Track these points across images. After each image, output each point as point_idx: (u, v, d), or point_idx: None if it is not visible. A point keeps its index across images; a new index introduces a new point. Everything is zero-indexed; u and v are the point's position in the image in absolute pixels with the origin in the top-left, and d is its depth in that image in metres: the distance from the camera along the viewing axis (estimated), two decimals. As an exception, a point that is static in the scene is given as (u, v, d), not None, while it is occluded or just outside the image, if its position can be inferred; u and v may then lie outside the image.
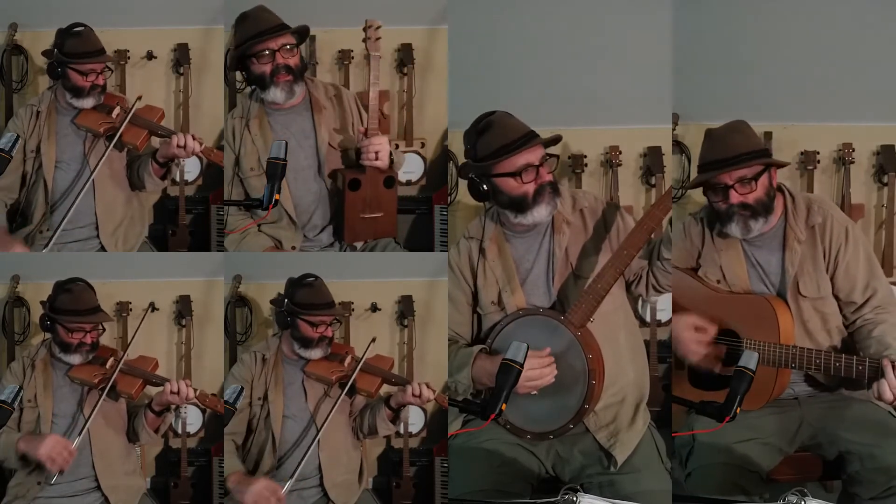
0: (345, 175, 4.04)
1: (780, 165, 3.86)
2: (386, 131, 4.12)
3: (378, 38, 4.02)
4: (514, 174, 3.68)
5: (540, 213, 3.71)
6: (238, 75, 4.14)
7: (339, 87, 4.16)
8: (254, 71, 4.00)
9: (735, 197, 3.72)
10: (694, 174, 4.21)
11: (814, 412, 3.83)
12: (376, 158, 4.01)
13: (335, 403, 3.92)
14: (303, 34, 4.05)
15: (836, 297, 3.82)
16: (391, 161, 4.05)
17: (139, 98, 4.04)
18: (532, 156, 3.68)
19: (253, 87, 4.05)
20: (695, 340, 3.83)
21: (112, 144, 3.96)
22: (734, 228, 3.75)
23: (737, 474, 3.73)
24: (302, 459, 3.88)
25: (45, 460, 3.85)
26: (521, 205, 3.71)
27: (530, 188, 3.70)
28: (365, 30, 4.02)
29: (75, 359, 3.92)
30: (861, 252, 3.80)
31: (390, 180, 4.06)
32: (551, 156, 3.74)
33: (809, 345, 3.77)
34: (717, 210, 3.77)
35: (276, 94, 4.00)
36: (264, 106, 4.05)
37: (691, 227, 3.91)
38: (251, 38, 3.96)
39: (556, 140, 3.75)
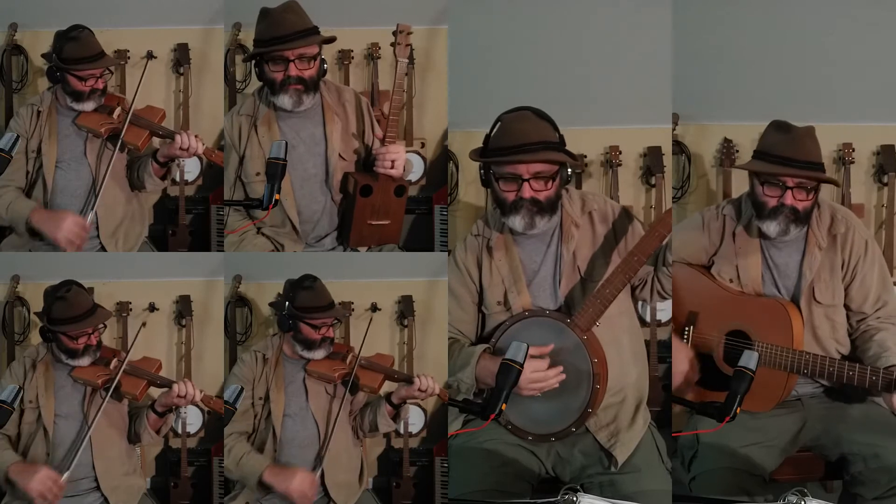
0: (357, 180, 4.00)
1: (836, 184, 3.95)
2: (383, 129, 4.11)
3: (408, 45, 3.98)
4: (496, 180, 3.69)
5: (514, 223, 3.70)
6: (239, 73, 4.14)
7: (354, 91, 4.11)
8: (266, 75, 3.93)
9: (790, 199, 3.71)
10: (693, 174, 4.22)
11: (817, 413, 3.83)
12: (392, 167, 3.97)
13: (342, 403, 3.92)
14: (327, 41, 3.96)
15: (847, 307, 3.83)
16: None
17: (135, 94, 4.00)
18: (523, 168, 3.66)
19: (263, 85, 3.98)
20: (683, 375, 3.85)
21: (118, 147, 3.94)
22: (773, 227, 3.74)
23: (741, 478, 3.73)
24: (323, 450, 3.91)
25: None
26: (501, 207, 3.72)
27: (508, 196, 3.68)
28: (395, 34, 3.98)
29: (84, 361, 3.90)
30: (877, 265, 3.82)
31: (401, 189, 4.02)
32: (564, 166, 3.70)
33: (818, 351, 3.78)
34: (763, 203, 3.75)
35: (284, 100, 3.92)
36: (274, 108, 3.99)
37: (711, 222, 3.89)
38: (267, 43, 3.88)
39: (567, 159, 3.70)
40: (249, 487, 3.91)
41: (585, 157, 4.25)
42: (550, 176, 3.67)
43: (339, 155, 4.02)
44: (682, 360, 3.86)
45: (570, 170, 3.70)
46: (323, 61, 3.97)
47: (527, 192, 3.66)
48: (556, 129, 3.70)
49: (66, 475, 3.83)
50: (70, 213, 3.94)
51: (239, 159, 3.99)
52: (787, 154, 3.70)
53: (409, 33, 3.98)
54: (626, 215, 3.80)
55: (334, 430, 3.92)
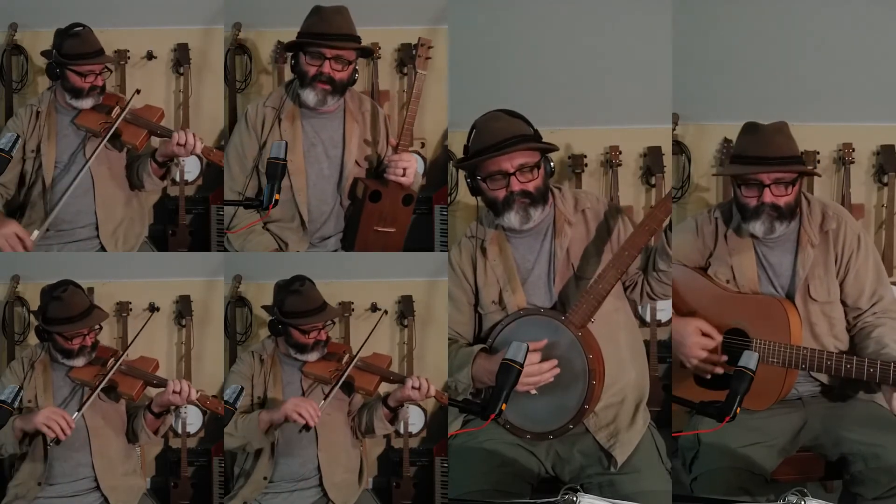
0: (367, 185, 4.01)
1: (815, 175, 4.00)
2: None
3: (428, 58, 4.02)
4: (483, 179, 3.71)
5: (510, 220, 3.72)
6: (239, 73, 4.15)
7: (374, 102, 4.14)
8: (300, 67, 3.96)
9: (769, 196, 3.74)
10: (694, 174, 4.22)
11: (817, 413, 3.84)
12: (403, 175, 3.99)
13: (327, 396, 3.90)
14: (365, 53, 4.03)
15: (843, 303, 3.84)
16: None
17: (136, 91, 4.01)
18: (506, 163, 3.69)
19: (293, 79, 4.01)
20: (699, 345, 3.84)
21: (104, 140, 3.93)
22: (758, 227, 3.77)
23: (742, 478, 3.74)
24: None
25: (41, 427, 3.80)
26: (493, 208, 3.74)
27: (498, 195, 3.71)
28: (416, 47, 4.02)
29: (79, 361, 3.90)
30: (871, 260, 3.84)
31: (409, 198, 4.03)
32: (546, 159, 3.74)
33: (816, 348, 3.77)
34: (744, 205, 3.78)
35: (308, 95, 3.96)
36: (299, 105, 4.02)
37: (704, 225, 3.92)
38: (310, 37, 3.93)
39: (547, 146, 3.74)
40: (254, 442, 3.89)
41: (585, 157, 4.25)
42: (535, 165, 3.70)
43: (356, 161, 4.04)
44: (690, 332, 3.84)
45: (552, 163, 3.75)
46: (355, 70, 4.00)
47: (515, 185, 3.69)
48: (530, 124, 3.74)
49: (73, 421, 3.81)
50: (14, 223, 3.95)
51: (259, 148, 4.01)
52: (757, 153, 3.74)
53: (431, 47, 4.03)
54: (618, 212, 3.82)
55: (323, 429, 3.90)
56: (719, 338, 3.85)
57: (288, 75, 4.09)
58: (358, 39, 3.97)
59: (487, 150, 3.68)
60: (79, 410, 3.85)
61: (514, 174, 3.68)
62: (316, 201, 4.04)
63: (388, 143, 4.08)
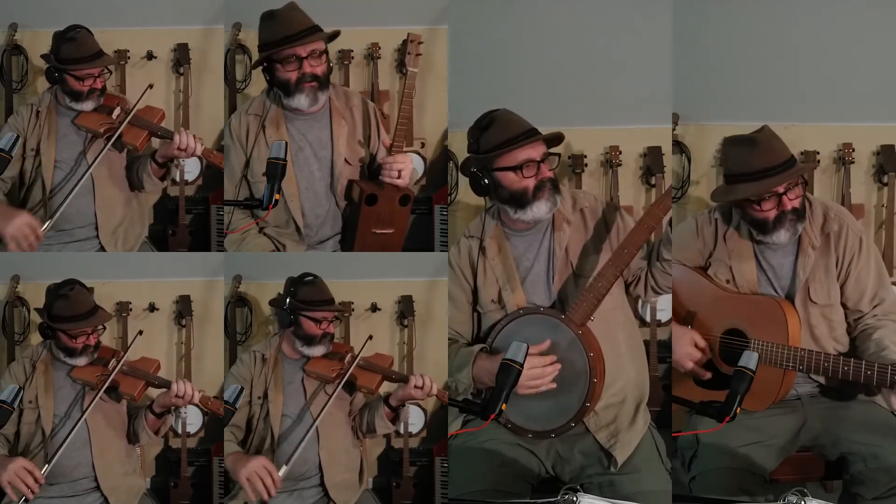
0: (363, 188, 3.99)
1: (812, 167, 4.03)
2: (386, 131, 4.11)
3: (419, 55, 4.00)
4: (515, 168, 3.70)
5: (539, 209, 3.72)
6: (239, 73, 4.14)
7: (362, 96, 4.12)
8: (278, 76, 3.92)
9: (788, 204, 3.71)
10: (694, 173, 4.22)
11: (817, 413, 3.83)
12: (398, 177, 3.97)
13: (331, 396, 3.91)
14: (333, 37, 3.98)
15: (844, 305, 3.83)
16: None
17: (150, 86, 4.01)
18: (533, 151, 3.70)
19: (272, 87, 3.98)
20: (689, 356, 3.84)
21: (109, 143, 3.93)
22: (783, 235, 3.75)
23: (741, 478, 3.74)
24: (297, 447, 3.86)
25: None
26: (520, 200, 3.72)
27: (530, 183, 3.71)
28: (407, 44, 4.00)
29: (81, 361, 3.91)
30: (872, 262, 3.82)
31: (406, 198, 4.01)
32: (552, 154, 3.76)
33: (815, 350, 3.77)
34: (763, 220, 3.74)
35: (300, 100, 3.93)
36: (283, 109, 3.99)
37: (704, 226, 3.91)
38: (278, 43, 3.89)
39: (557, 138, 3.76)
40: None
41: (585, 157, 4.25)
42: (548, 157, 3.74)
43: (345, 160, 4.02)
44: (684, 343, 3.85)
45: None
46: (328, 58, 3.98)
47: (546, 172, 3.71)
48: None
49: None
50: (26, 213, 3.93)
51: (246, 159, 3.99)
52: (764, 165, 3.69)
53: (421, 42, 4.01)
54: (616, 211, 3.83)
55: (324, 429, 3.90)
56: (709, 355, 3.85)
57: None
58: (320, 28, 3.93)
59: (520, 137, 3.68)
60: (83, 412, 3.86)
61: (542, 162, 3.71)
62: (310, 205, 4.02)
63: (381, 141, 4.06)
